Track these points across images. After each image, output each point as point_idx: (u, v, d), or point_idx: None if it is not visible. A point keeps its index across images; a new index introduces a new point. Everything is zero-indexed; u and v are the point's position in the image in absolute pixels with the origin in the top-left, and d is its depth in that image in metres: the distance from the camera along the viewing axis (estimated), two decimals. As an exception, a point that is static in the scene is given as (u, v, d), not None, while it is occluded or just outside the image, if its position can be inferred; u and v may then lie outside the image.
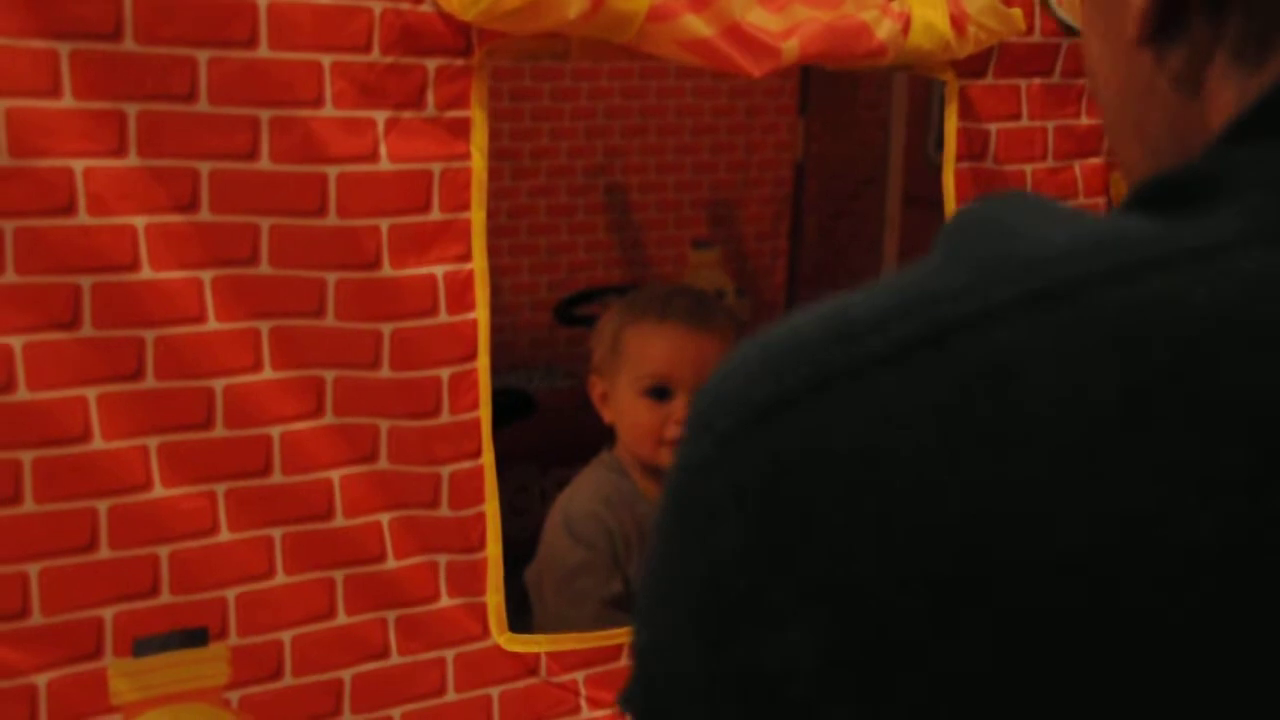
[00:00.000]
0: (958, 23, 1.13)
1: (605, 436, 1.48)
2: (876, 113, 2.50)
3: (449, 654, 1.08)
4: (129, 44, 0.89)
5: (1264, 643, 0.25)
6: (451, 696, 1.09)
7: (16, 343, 0.89)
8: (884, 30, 1.10)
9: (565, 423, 1.85)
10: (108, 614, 0.95)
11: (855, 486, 0.28)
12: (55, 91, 0.88)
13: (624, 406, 1.41)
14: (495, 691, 1.11)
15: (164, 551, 0.96)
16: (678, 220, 2.60)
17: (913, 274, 0.31)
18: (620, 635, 1.16)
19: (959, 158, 1.23)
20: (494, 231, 2.45)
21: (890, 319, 0.29)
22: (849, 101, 2.58)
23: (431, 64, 0.98)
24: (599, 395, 1.45)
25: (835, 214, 2.66)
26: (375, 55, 0.96)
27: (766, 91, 2.58)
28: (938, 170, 1.25)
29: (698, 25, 1.01)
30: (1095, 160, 1.29)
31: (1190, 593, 0.25)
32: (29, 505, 0.91)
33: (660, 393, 1.39)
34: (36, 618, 0.92)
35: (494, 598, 1.09)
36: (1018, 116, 1.25)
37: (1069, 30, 1.21)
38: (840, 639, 0.28)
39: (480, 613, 1.09)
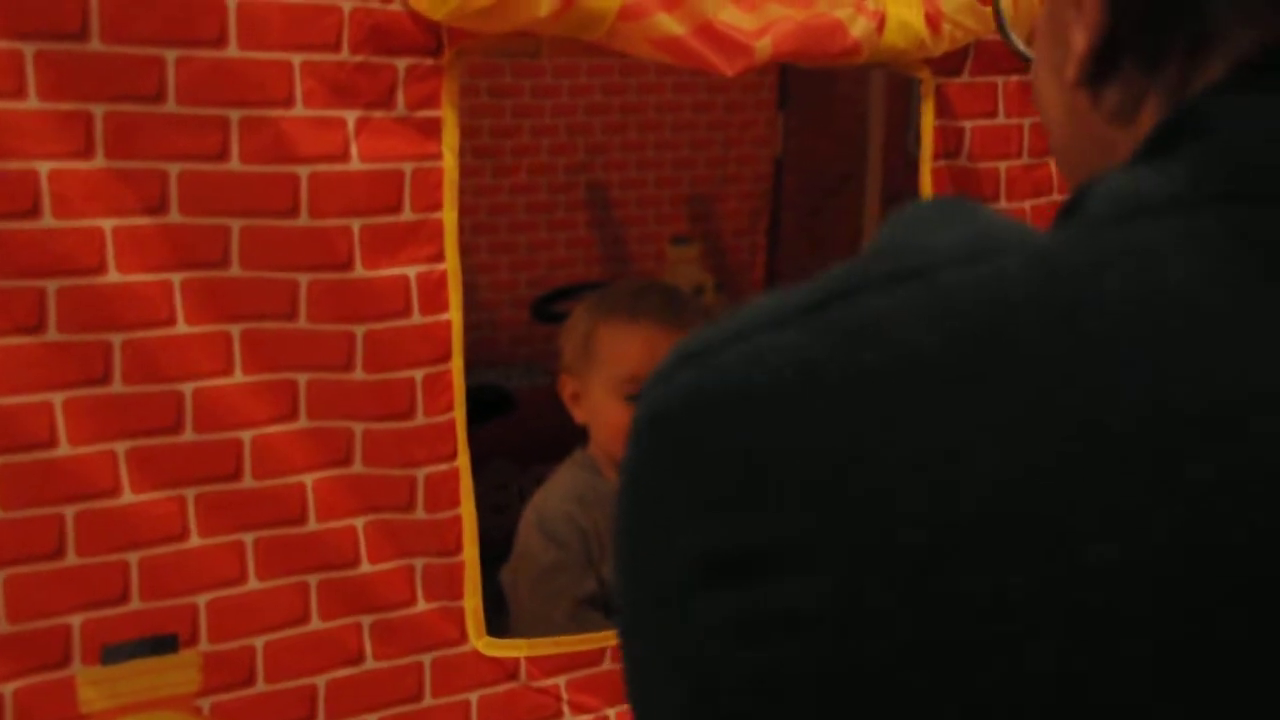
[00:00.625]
0: (933, 21, 1.12)
1: (583, 434, 1.47)
2: (856, 108, 2.50)
3: (426, 659, 1.08)
4: (95, 44, 0.88)
5: (1026, 555, 0.30)
6: (429, 702, 1.08)
7: (-19, 347, 0.88)
8: (858, 29, 1.09)
9: (544, 420, 1.84)
10: (76, 621, 0.94)
11: (728, 415, 0.34)
12: (20, 92, 0.87)
13: (598, 406, 1.40)
14: (474, 696, 1.10)
15: (133, 557, 0.95)
16: (657, 216, 2.59)
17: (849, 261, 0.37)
18: (601, 638, 1.16)
19: (935, 155, 1.23)
20: (473, 229, 2.44)
21: (806, 293, 0.35)
22: (828, 96, 2.57)
23: (402, 63, 0.97)
24: (570, 395, 1.44)
25: (814, 210, 2.65)
26: (345, 54, 0.95)
27: (746, 87, 2.56)
28: (917, 166, 1.25)
29: (669, 24, 1.00)
30: (1071, 157, 1.29)
31: (972, 511, 0.30)
32: (-5, 512, 0.90)
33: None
34: (2, 626, 0.91)
35: (471, 601, 1.08)
36: (994, 114, 1.24)
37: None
38: (713, 547, 0.33)
39: (458, 617, 1.08)
